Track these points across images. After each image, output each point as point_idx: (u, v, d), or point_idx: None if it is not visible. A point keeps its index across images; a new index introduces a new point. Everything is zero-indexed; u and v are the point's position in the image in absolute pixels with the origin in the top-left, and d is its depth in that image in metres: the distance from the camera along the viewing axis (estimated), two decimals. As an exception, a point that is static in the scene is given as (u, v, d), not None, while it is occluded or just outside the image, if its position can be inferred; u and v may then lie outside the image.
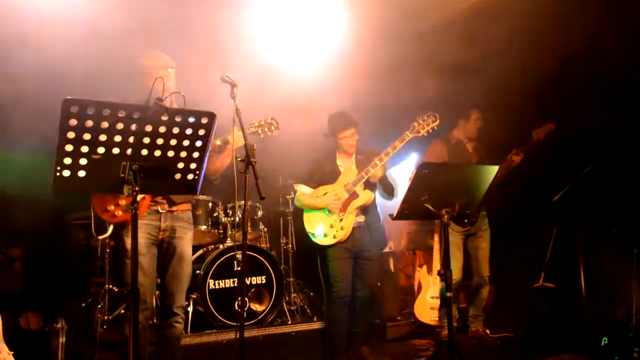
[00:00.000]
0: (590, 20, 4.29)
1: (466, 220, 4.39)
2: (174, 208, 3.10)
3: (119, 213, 2.95)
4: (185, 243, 3.14)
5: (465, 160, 4.59)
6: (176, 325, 3.10)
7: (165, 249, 3.10)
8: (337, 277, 3.91)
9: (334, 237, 3.90)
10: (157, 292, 4.71)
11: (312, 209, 4.04)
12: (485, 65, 5.02)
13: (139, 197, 2.90)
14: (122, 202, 2.95)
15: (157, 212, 3.05)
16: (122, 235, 3.03)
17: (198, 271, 4.40)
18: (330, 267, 3.94)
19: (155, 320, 4.58)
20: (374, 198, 4.00)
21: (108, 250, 4.80)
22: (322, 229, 3.96)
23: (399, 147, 3.79)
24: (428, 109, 3.86)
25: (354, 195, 3.92)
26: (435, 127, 3.85)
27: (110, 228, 3.10)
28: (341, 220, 3.91)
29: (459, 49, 4.97)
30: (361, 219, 3.98)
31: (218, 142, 3.20)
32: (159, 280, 4.72)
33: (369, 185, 3.96)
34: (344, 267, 3.92)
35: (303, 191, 4.10)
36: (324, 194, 3.99)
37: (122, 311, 3.11)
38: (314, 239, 4.00)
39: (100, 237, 3.31)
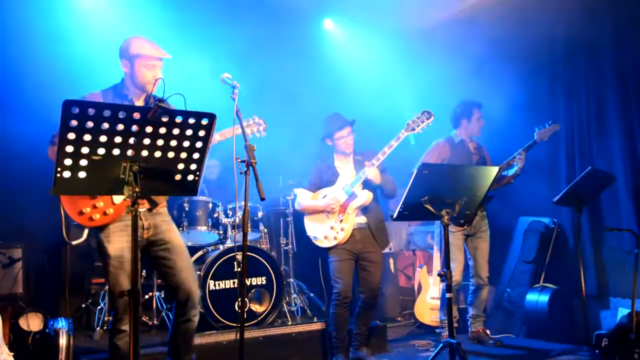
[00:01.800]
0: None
1: (462, 221, 4.39)
2: (154, 208, 2.99)
3: (97, 216, 2.80)
4: (176, 234, 3.04)
5: (467, 160, 4.59)
6: (194, 319, 3.01)
7: (159, 247, 2.99)
8: (339, 278, 3.91)
9: (335, 238, 3.91)
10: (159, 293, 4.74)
11: (311, 212, 4.05)
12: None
13: (120, 199, 2.83)
14: (100, 203, 2.80)
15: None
16: (101, 240, 2.86)
17: (198, 272, 4.40)
18: (332, 269, 3.95)
19: (155, 322, 4.60)
20: (373, 197, 4.00)
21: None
22: (322, 232, 3.97)
23: (395, 146, 3.85)
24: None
25: (352, 196, 3.92)
26: (430, 124, 3.89)
27: (85, 232, 2.89)
28: (341, 221, 3.91)
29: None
30: (362, 219, 3.98)
31: (218, 137, 3.18)
32: (159, 281, 4.77)
33: (368, 185, 3.96)
34: (345, 268, 3.92)
35: (302, 195, 4.11)
36: (323, 197, 4.01)
37: (110, 321, 2.93)
38: (315, 242, 4.01)
39: (74, 243, 3.05)
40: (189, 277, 3.00)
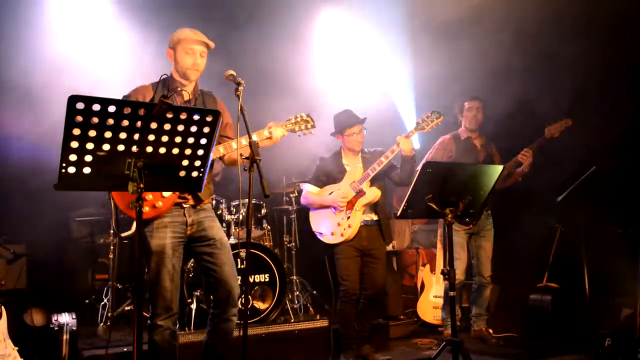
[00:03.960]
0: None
1: (468, 219, 4.38)
2: (199, 205, 2.99)
3: (146, 209, 2.82)
4: (218, 230, 3.02)
5: (473, 158, 4.57)
6: (233, 319, 2.98)
7: (203, 243, 2.97)
8: (346, 275, 3.92)
9: (341, 235, 3.91)
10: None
11: (318, 208, 4.05)
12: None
13: (169, 192, 2.85)
14: (149, 196, 2.82)
15: (181, 207, 2.93)
16: (145, 235, 2.85)
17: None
18: (339, 266, 3.95)
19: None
20: (381, 194, 3.99)
21: (112, 247, 4.82)
22: (328, 228, 3.97)
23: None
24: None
25: (360, 193, 3.92)
26: (439, 124, 3.88)
27: (134, 225, 2.91)
28: (348, 218, 3.91)
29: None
30: (371, 216, 4.00)
31: (266, 133, 3.06)
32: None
33: (376, 182, 3.96)
34: (352, 265, 3.94)
35: (309, 190, 4.11)
36: (330, 193, 4.01)
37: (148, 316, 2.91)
38: (320, 238, 4.01)
39: (123, 235, 3.12)
40: (230, 273, 2.98)
